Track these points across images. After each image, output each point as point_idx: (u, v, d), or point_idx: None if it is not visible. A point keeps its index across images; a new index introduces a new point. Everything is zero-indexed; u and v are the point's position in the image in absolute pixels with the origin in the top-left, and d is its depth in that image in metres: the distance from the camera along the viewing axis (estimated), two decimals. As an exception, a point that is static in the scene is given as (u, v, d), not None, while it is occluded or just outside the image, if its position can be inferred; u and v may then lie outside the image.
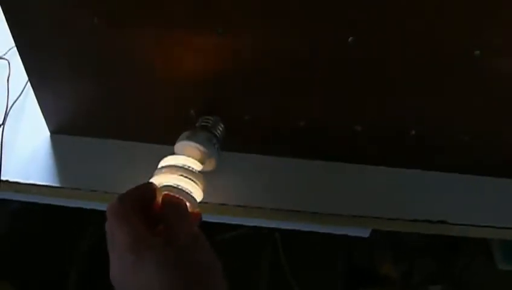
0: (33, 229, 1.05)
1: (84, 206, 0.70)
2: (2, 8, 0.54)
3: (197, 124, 0.61)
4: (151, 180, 0.52)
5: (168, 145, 0.59)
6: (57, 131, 0.70)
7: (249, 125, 0.63)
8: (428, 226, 0.64)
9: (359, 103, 0.60)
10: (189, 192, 0.51)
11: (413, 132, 0.63)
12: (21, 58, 0.59)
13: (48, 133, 0.70)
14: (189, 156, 0.55)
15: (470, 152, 0.66)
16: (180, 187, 0.50)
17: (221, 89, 0.60)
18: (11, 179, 0.66)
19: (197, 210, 0.51)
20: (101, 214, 0.66)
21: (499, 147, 0.65)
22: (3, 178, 0.66)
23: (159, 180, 0.51)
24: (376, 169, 0.68)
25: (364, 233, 0.67)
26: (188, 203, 0.50)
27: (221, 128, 0.61)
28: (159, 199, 0.49)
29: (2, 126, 0.70)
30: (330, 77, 0.57)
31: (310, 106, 0.61)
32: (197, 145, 0.56)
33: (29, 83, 0.64)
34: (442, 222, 0.64)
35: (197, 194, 0.52)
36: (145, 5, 0.51)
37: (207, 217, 0.66)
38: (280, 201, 0.64)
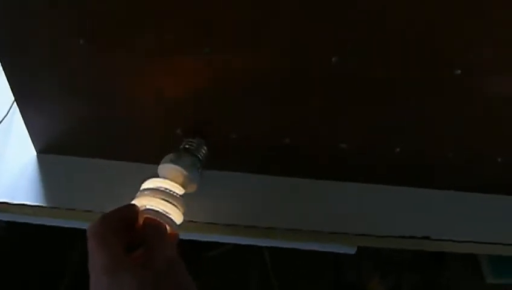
0: (20, 245, 1.04)
1: (72, 226, 0.70)
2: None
3: (180, 146, 0.61)
4: (133, 201, 0.52)
5: (154, 164, 0.59)
6: (43, 151, 0.70)
7: (236, 144, 0.64)
8: (414, 242, 0.65)
9: (344, 120, 0.61)
10: (169, 216, 0.52)
11: (398, 150, 0.64)
12: (7, 78, 0.59)
13: (35, 153, 0.71)
14: (172, 180, 0.56)
15: (454, 169, 0.67)
16: (161, 211, 0.51)
17: (207, 108, 0.61)
18: (-1, 200, 0.66)
19: (175, 231, 0.52)
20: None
21: (482, 164, 0.66)
22: (-10, 199, 0.66)
23: (142, 202, 0.53)
24: (361, 186, 0.69)
25: (351, 250, 0.68)
26: (168, 227, 0.51)
27: (204, 151, 0.61)
28: (141, 221, 0.50)
29: (-12, 147, 0.70)
30: (314, 96, 0.58)
31: (296, 124, 0.62)
32: (181, 169, 0.57)
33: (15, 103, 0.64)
34: (426, 237, 0.65)
35: (177, 217, 0.54)
36: (130, 25, 0.52)
37: (194, 236, 0.66)
38: (267, 219, 0.65)
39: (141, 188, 0.55)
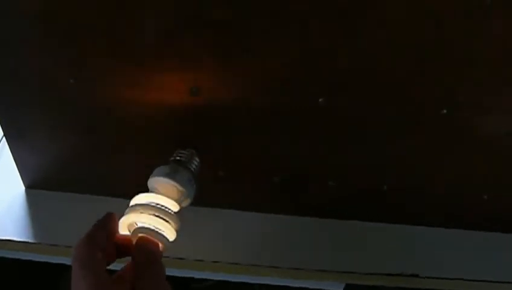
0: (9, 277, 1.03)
1: (59, 261, 0.70)
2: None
3: (171, 158, 0.58)
4: (124, 217, 0.50)
5: None
6: (32, 186, 0.70)
7: (225, 180, 0.64)
8: (402, 279, 0.65)
9: (332, 158, 0.62)
10: (163, 233, 0.49)
11: (385, 187, 0.64)
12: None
13: (23, 188, 0.70)
14: (166, 195, 0.53)
15: (443, 206, 0.67)
16: (154, 228, 0.49)
17: (198, 142, 0.60)
18: (-15, 235, 0.65)
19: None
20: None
21: (470, 201, 0.66)
22: (-24, 234, 0.65)
23: (133, 218, 0.50)
24: (349, 223, 0.69)
25: (339, 287, 0.68)
26: (160, 245, 0.49)
27: (196, 163, 0.58)
28: (133, 239, 0.48)
29: (-24, 180, 0.70)
30: (302, 133, 0.59)
31: (285, 160, 0.63)
32: (177, 185, 0.53)
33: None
34: (415, 275, 0.65)
35: (172, 235, 0.51)
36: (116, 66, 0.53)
37: (183, 273, 0.66)
38: (256, 257, 0.65)
39: (132, 203, 0.52)
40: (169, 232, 0.50)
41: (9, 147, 0.65)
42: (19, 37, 0.52)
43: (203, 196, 0.61)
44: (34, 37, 0.52)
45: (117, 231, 0.48)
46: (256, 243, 0.67)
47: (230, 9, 0.48)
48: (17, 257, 0.69)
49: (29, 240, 0.66)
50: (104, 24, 0.50)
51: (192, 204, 0.59)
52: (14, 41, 0.53)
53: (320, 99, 0.54)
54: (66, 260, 0.68)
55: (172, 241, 0.50)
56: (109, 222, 0.48)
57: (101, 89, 0.56)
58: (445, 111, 0.56)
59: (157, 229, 0.49)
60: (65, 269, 0.68)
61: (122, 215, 0.49)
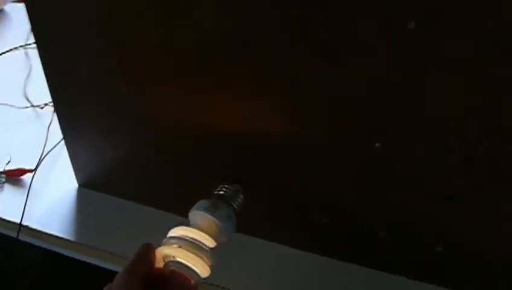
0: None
1: (97, 264, 0.70)
2: (43, 68, 0.57)
3: (215, 192, 0.58)
4: (159, 248, 0.50)
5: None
6: (84, 185, 0.71)
7: (267, 213, 0.62)
8: None
9: (384, 207, 0.58)
10: (196, 270, 0.49)
11: (440, 249, 0.59)
12: (56, 113, 0.61)
13: (76, 185, 0.72)
14: (203, 230, 0.52)
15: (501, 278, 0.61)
16: (188, 265, 0.48)
17: (244, 166, 0.59)
18: (31, 226, 0.67)
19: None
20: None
21: None
22: (24, 223, 0.67)
23: (168, 251, 0.50)
24: (393, 278, 0.64)
25: None
26: (192, 281, 0.48)
27: (240, 200, 0.57)
28: (166, 270, 0.48)
29: (33, 172, 0.72)
30: (352, 177, 0.56)
31: (333, 203, 0.59)
32: (216, 220, 0.53)
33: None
34: None
35: (204, 271, 0.50)
36: (170, 73, 0.53)
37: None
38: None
39: (169, 235, 0.52)
40: (202, 268, 0.49)
41: (66, 146, 0.66)
42: (82, 44, 0.54)
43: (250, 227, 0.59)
44: (95, 44, 0.53)
45: (154, 264, 0.48)
46: (284, 279, 0.64)
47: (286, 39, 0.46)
48: (59, 251, 0.71)
49: (71, 239, 0.67)
50: (159, 38, 0.50)
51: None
52: (76, 47, 0.54)
53: (376, 144, 0.51)
54: (101, 263, 0.68)
55: (204, 278, 0.50)
56: (150, 254, 0.48)
57: (150, 102, 0.56)
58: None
59: (189, 265, 0.48)
60: (100, 272, 0.69)
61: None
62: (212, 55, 0.50)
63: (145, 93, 0.56)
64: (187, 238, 0.50)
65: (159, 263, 0.49)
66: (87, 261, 0.69)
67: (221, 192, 0.57)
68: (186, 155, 0.61)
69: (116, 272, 0.67)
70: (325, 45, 0.45)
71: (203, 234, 0.51)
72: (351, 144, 0.52)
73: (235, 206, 0.56)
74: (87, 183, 0.71)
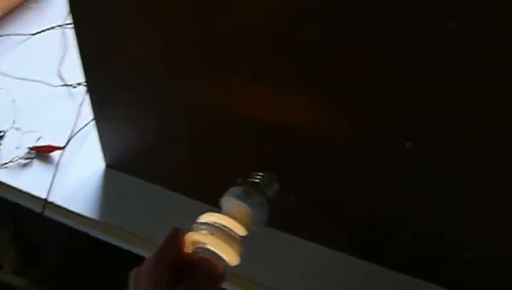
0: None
1: (120, 245, 0.70)
2: (78, 47, 0.57)
3: (249, 179, 0.57)
4: (189, 233, 0.49)
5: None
6: (112, 166, 0.71)
7: (299, 208, 0.61)
8: None
9: (411, 208, 0.56)
10: (225, 259, 0.48)
11: (465, 255, 0.57)
12: (88, 93, 0.61)
13: (104, 166, 0.72)
14: (235, 217, 0.51)
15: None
16: (217, 253, 0.47)
17: (281, 157, 0.58)
18: (56, 202, 0.68)
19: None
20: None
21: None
22: (50, 199, 0.68)
23: (197, 237, 0.48)
24: (418, 283, 0.63)
25: None
26: (221, 269, 0.47)
27: (274, 189, 0.56)
28: (194, 256, 0.47)
29: (62, 149, 0.72)
30: (381, 177, 0.54)
31: (362, 202, 0.58)
32: (248, 208, 0.52)
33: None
34: None
35: (233, 260, 0.49)
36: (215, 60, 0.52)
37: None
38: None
39: (199, 220, 0.50)
40: (231, 256, 0.48)
41: (96, 126, 0.67)
42: (123, 24, 0.53)
43: (278, 220, 0.58)
44: (137, 25, 0.53)
45: (184, 249, 0.48)
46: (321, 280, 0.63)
47: (324, 29, 0.45)
48: (83, 229, 0.71)
49: (95, 218, 0.67)
50: (200, 25, 0.49)
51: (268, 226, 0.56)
52: (117, 28, 0.54)
53: (407, 143, 0.49)
54: (123, 245, 0.69)
55: (233, 266, 0.48)
56: (179, 239, 0.47)
57: (189, 89, 0.55)
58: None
59: (219, 253, 0.47)
60: (122, 253, 0.69)
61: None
62: (253, 46, 0.49)
63: (183, 78, 0.55)
64: (218, 225, 0.49)
65: (188, 249, 0.48)
66: (110, 241, 0.69)
67: (255, 180, 0.56)
68: (220, 143, 0.60)
69: (138, 255, 0.67)
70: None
71: (234, 222, 0.50)
72: (384, 143, 0.51)
73: (268, 194, 0.55)
74: (115, 165, 0.71)
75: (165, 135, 0.63)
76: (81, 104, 0.77)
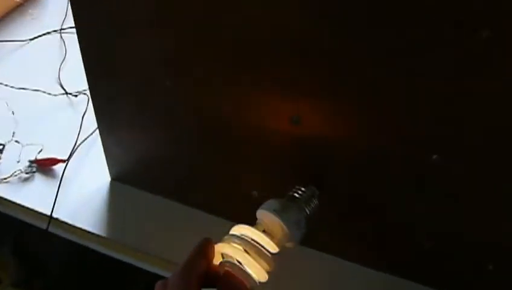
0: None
1: (127, 261, 0.67)
2: (82, 55, 0.54)
3: (289, 193, 0.54)
4: (219, 244, 0.47)
5: (228, 221, 0.54)
6: (118, 179, 0.69)
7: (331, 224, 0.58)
8: None
9: (433, 218, 0.54)
10: (253, 275, 0.45)
11: (491, 267, 0.55)
12: (92, 103, 0.58)
13: (109, 179, 0.69)
14: (269, 232, 0.49)
15: None
16: (245, 269, 0.45)
17: (316, 171, 0.56)
18: (61, 219, 0.65)
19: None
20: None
21: None
22: (54, 215, 0.65)
23: (227, 250, 0.46)
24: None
25: None
26: (248, 285, 0.45)
27: (313, 205, 0.53)
28: (221, 269, 0.45)
29: (66, 162, 0.69)
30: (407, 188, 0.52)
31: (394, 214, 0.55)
32: (283, 225, 0.49)
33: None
34: None
35: (261, 277, 0.46)
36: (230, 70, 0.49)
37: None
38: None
39: (231, 232, 0.49)
40: (259, 273, 0.46)
41: (101, 137, 0.64)
42: (130, 32, 0.51)
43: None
44: (145, 33, 0.50)
45: (212, 260, 0.46)
46: None
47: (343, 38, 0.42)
48: (89, 246, 0.68)
49: (102, 234, 0.64)
50: (211, 30, 0.47)
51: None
52: (123, 36, 0.51)
53: (434, 156, 0.47)
54: (132, 261, 0.66)
55: (261, 283, 0.46)
56: (209, 250, 0.45)
57: (196, 98, 0.53)
58: None
59: (247, 269, 0.45)
60: (129, 269, 0.67)
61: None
62: (264, 55, 0.47)
63: (192, 88, 0.52)
64: (250, 240, 0.47)
65: (216, 260, 0.46)
66: (117, 257, 0.66)
67: (295, 194, 0.53)
68: (231, 154, 0.57)
69: (146, 271, 0.65)
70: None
71: (267, 238, 0.48)
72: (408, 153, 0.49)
73: (307, 211, 0.52)
74: (121, 177, 0.68)
75: (174, 145, 0.61)
76: (84, 114, 0.74)
